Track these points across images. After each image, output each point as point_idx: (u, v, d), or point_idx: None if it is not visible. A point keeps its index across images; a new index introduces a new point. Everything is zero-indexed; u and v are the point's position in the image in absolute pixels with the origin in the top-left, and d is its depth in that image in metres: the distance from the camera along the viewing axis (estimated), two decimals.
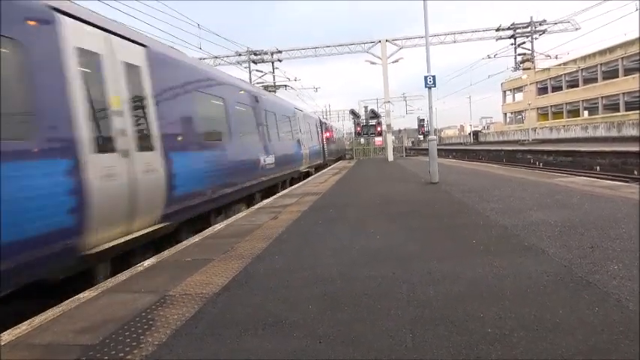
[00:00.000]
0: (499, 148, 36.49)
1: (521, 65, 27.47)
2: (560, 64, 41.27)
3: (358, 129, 33.24)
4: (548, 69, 43.39)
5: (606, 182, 9.83)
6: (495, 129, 70.26)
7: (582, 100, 46.37)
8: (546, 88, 52.62)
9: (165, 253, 5.28)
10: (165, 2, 16.72)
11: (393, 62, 25.81)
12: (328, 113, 67.15)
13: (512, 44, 26.82)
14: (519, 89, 57.61)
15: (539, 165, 24.83)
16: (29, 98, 4.14)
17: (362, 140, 35.64)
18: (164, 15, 40.72)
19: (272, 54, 27.81)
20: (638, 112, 34.56)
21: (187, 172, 6.88)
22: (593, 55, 42.74)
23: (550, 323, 2.60)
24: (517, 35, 26.29)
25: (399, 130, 55.07)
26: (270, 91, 21.18)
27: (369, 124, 32.42)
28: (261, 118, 12.10)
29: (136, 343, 2.73)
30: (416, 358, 2.32)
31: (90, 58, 5.07)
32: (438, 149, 12.43)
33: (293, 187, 13.44)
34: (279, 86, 30.09)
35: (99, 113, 5.10)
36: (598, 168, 19.70)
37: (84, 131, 4.70)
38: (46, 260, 4.14)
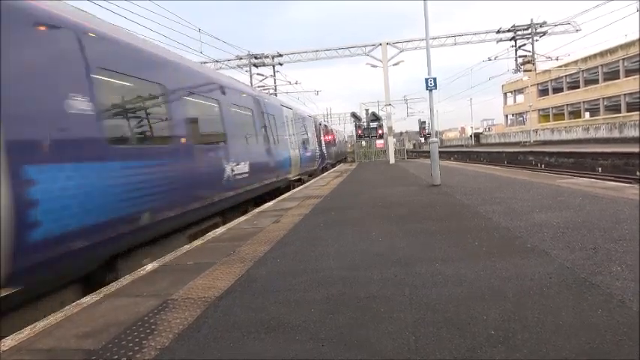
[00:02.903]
0: (500, 149, 36.45)
1: (522, 67, 27.48)
2: (561, 66, 41.22)
3: (359, 132, 33.31)
4: (549, 70, 43.35)
5: (608, 183, 9.81)
6: (497, 131, 70.19)
7: (583, 102, 46.29)
8: (547, 89, 52.57)
9: (168, 257, 5.29)
10: (166, 7, 16.81)
11: (393, 65, 25.87)
12: (329, 116, 67.28)
13: (512, 46, 26.87)
14: (520, 91, 57.55)
15: (541, 166, 24.79)
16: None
17: (363, 143, 35.67)
18: (166, 20, 40.86)
19: (273, 57, 27.86)
20: (639, 112, 34.50)
21: (303, 157, 16.83)
22: (594, 56, 42.69)
23: (553, 325, 2.59)
24: (517, 37, 26.34)
25: (401, 133, 55.11)
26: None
27: (370, 126, 32.51)
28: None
29: (139, 347, 2.73)
30: None
31: (286, 119, 15.21)
32: (440, 151, 12.42)
33: (294, 190, 13.46)
34: None
35: (290, 137, 15.14)
36: (600, 169, 19.65)
37: (289, 143, 14.83)
38: (286, 180, 14.00)
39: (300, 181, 16.20)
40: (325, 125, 29.69)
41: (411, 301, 3.17)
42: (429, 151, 11.83)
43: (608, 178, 14.93)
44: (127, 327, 3.07)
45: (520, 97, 59.23)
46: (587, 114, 46.45)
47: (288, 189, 13.97)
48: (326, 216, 7.39)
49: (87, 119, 4.59)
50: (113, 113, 5.38)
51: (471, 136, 67.44)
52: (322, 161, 23.51)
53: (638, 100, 37.14)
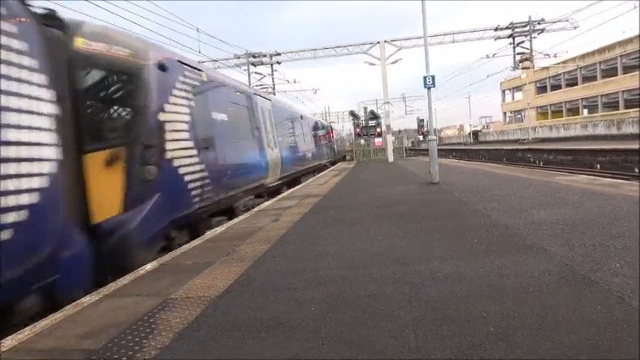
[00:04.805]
0: (499, 147, 36.49)
1: (520, 64, 27.45)
2: (559, 63, 41.22)
3: (358, 130, 33.29)
4: (547, 68, 43.37)
5: (607, 180, 9.83)
6: (495, 128, 70.26)
7: (581, 99, 46.34)
8: (545, 87, 52.60)
9: (167, 257, 5.29)
10: (165, 7, 16.78)
11: (392, 63, 25.88)
12: (328, 115, 67.18)
13: (510, 44, 26.83)
14: (518, 88, 57.60)
15: (539, 164, 24.82)
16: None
17: (362, 141, 35.66)
18: (165, 20, 40.75)
19: (271, 56, 27.80)
20: (637, 109, 34.56)
21: (315, 152, 21.97)
22: (592, 53, 42.72)
23: (553, 322, 2.59)
24: (516, 34, 26.29)
25: (399, 131, 55.09)
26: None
27: (368, 125, 32.47)
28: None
29: (139, 347, 2.73)
30: (419, 359, 2.31)
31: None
32: (438, 149, 12.42)
33: (293, 188, 13.46)
34: None
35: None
36: (598, 166, 19.69)
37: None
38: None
39: None
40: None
41: (410, 299, 3.17)
42: (428, 149, 11.84)
43: (607, 175, 14.96)
44: (127, 326, 3.06)
45: (518, 95, 59.28)
46: (586, 111, 46.50)
47: None
48: (325, 215, 7.39)
49: None
50: None
51: (469, 133, 67.49)
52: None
53: (636, 97, 37.20)
